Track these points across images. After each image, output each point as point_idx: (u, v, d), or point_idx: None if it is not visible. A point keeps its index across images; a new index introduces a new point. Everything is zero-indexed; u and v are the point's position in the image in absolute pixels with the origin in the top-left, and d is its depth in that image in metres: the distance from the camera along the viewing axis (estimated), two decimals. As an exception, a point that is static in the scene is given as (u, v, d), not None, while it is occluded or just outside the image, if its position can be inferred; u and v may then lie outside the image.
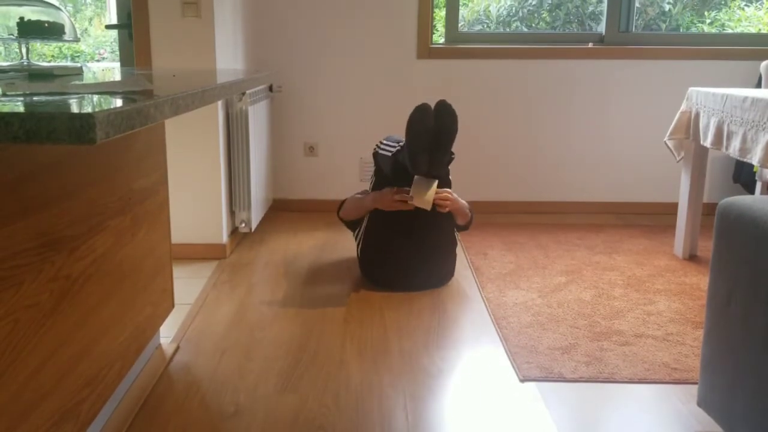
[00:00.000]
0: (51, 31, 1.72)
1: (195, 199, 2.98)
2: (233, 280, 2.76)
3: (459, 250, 3.06)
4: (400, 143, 2.69)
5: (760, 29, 4.08)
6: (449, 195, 2.53)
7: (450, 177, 2.70)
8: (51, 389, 1.32)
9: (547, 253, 3.13)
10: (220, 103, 2.94)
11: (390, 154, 2.67)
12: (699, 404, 1.68)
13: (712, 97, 2.72)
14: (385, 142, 2.79)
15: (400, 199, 2.52)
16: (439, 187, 2.51)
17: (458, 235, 2.83)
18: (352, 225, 2.86)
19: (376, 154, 2.79)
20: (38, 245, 1.26)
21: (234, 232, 3.22)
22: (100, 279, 1.55)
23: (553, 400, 1.85)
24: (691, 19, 4.11)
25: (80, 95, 1.02)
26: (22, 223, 1.20)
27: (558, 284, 2.72)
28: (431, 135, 2.46)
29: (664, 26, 4.10)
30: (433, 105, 2.51)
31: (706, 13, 4.12)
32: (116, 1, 3.06)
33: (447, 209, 2.53)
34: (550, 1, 4.05)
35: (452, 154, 2.57)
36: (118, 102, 0.92)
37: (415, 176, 2.52)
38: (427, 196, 2.46)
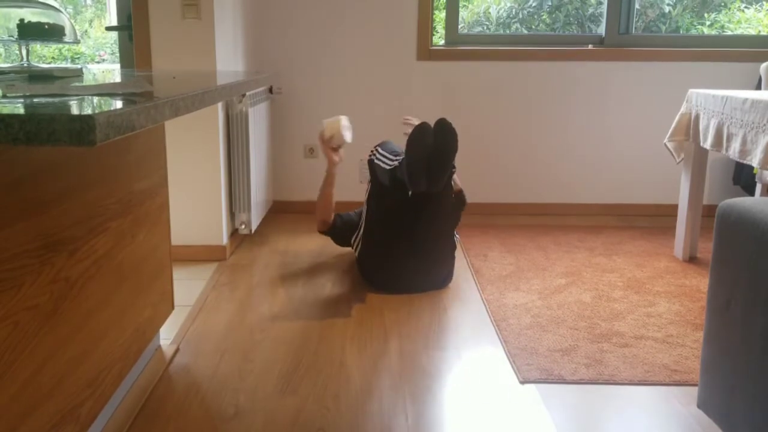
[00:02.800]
0: (51, 33, 1.72)
1: (195, 201, 2.98)
2: (233, 282, 2.76)
3: (459, 252, 3.06)
4: (398, 157, 2.66)
5: (759, 31, 4.08)
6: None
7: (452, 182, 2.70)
8: (51, 391, 1.32)
9: (547, 254, 3.13)
10: (220, 105, 2.95)
11: (388, 167, 2.65)
12: (699, 406, 1.68)
13: (712, 99, 2.73)
14: (381, 151, 2.76)
15: (325, 144, 2.80)
16: (439, 191, 2.52)
17: (458, 237, 2.83)
18: (339, 238, 2.89)
19: (371, 162, 2.76)
20: (38, 247, 1.26)
21: (234, 233, 3.22)
22: (100, 281, 1.55)
23: (553, 401, 1.85)
24: (690, 20, 4.11)
25: (80, 97, 1.02)
26: (22, 224, 1.20)
27: (558, 286, 2.72)
28: (430, 154, 2.41)
29: (663, 28, 4.10)
30: (432, 121, 2.47)
31: (705, 15, 4.13)
32: (116, 2, 3.06)
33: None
34: (549, 3, 4.05)
35: (453, 167, 2.54)
36: (118, 104, 0.92)
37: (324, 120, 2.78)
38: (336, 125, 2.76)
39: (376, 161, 2.72)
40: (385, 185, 2.65)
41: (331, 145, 2.81)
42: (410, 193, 2.52)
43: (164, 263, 2.06)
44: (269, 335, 2.26)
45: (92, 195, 1.50)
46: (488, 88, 3.77)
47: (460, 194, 2.76)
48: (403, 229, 2.58)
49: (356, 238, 2.80)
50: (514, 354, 2.11)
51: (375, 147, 2.82)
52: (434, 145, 2.42)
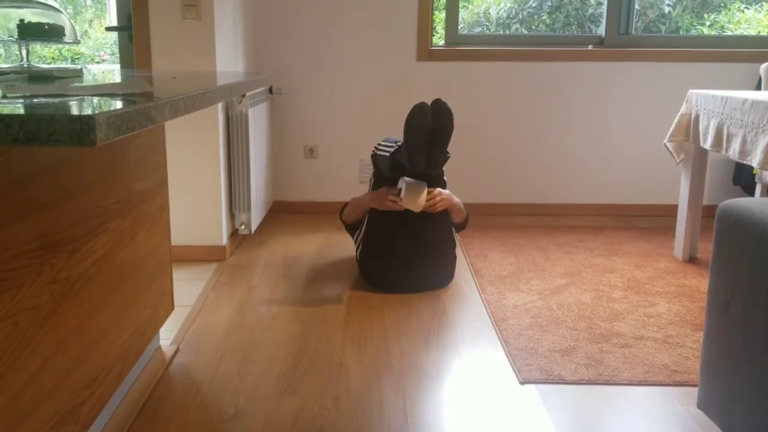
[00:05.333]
0: (51, 33, 1.72)
1: (195, 201, 2.98)
2: (233, 282, 2.76)
3: (459, 252, 3.06)
4: (398, 143, 2.70)
5: (759, 31, 4.08)
6: (440, 195, 2.56)
7: (445, 177, 2.71)
8: (51, 391, 1.32)
9: (547, 255, 3.13)
10: (220, 105, 2.95)
11: (388, 154, 2.68)
12: (699, 406, 1.68)
13: (712, 100, 2.73)
14: (383, 143, 2.79)
15: (392, 199, 2.55)
16: (432, 186, 2.54)
17: (458, 237, 2.83)
18: (351, 229, 2.87)
19: (374, 156, 2.80)
20: (38, 247, 1.26)
21: (234, 234, 3.22)
22: (99, 281, 1.55)
23: (553, 402, 1.85)
24: (690, 21, 4.11)
25: (80, 97, 1.02)
26: (22, 225, 1.20)
27: (558, 286, 2.72)
28: (429, 133, 2.49)
29: (663, 28, 4.10)
30: (429, 104, 2.54)
31: (705, 16, 4.13)
32: (116, 3, 3.06)
33: (440, 208, 2.55)
34: (549, 4, 4.05)
35: (447, 153, 2.59)
36: (118, 104, 0.92)
37: (405, 179, 2.54)
38: (419, 200, 2.50)
39: (378, 153, 2.75)
40: (387, 177, 2.66)
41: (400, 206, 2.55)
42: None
43: (164, 263, 2.06)
44: (269, 335, 2.26)
45: (92, 195, 1.50)
46: (488, 88, 3.77)
47: (466, 221, 2.78)
48: (403, 227, 2.59)
49: (357, 238, 2.80)
50: (514, 354, 2.11)
51: (377, 143, 2.85)
52: (432, 125, 2.49)
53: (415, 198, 2.49)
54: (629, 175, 3.88)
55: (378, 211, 2.65)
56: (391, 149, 2.69)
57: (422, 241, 2.61)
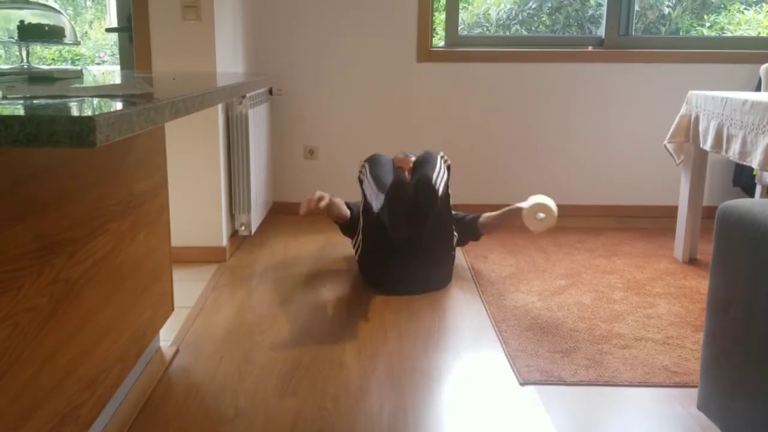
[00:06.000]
0: (51, 35, 1.72)
1: (195, 202, 2.98)
2: (233, 283, 2.76)
3: (459, 254, 3.06)
4: (383, 192, 2.54)
5: (759, 32, 4.08)
6: None
7: (449, 191, 2.71)
8: (50, 392, 1.32)
9: (547, 256, 3.13)
10: (220, 106, 2.95)
11: (372, 207, 2.58)
12: (699, 408, 1.68)
13: (712, 101, 2.73)
14: (369, 175, 2.68)
15: (313, 202, 2.62)
16: (435, 204, 2.50)
17: (456, 236, 2.83)
18: (346, 230, 2.88)
19: (360, 181, 2.74)
20: (38, 248, 1.26)
21: (234, 235, 3.22)
22: (99, 282, 1.55)
23: (553, 403, 1.85)
24: (690, 22, 4.12)
25: (80, 98, 1.02)
26: (22, 226, 1.20)
27: (558, 287, 2.72)
28: (410, 206, 2.42)
29: (663, 29, 4.11)
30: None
31: (705, 17, 4.13)
32: (116, 4, 3.06)
33: None
34: (549, 5, 4.06)
35: (447, 189, 2.64)
36: (118, 105, 0.92)
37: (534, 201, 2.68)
38: (553, 213, 2.68)
39: (363, 186, 2.69)
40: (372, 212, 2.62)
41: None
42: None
43: (164, 265, 2.06)
44: (269, 336, 2.26)
45: (92, 196, 1.50)
46: (488, 89, 3.77)
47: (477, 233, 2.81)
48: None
49: (356, 240, 2.80)
50: (514, 355, 2.11)
51: (364, 163, 2.79)
52: (414, 202, 2.42)
53: (549, 215, 2.67)
54: (629, 176, 3.88)
55: (377, 214, 2.65)
56: (376, 204, 2.54)
57: (421, 243, 2.60)
